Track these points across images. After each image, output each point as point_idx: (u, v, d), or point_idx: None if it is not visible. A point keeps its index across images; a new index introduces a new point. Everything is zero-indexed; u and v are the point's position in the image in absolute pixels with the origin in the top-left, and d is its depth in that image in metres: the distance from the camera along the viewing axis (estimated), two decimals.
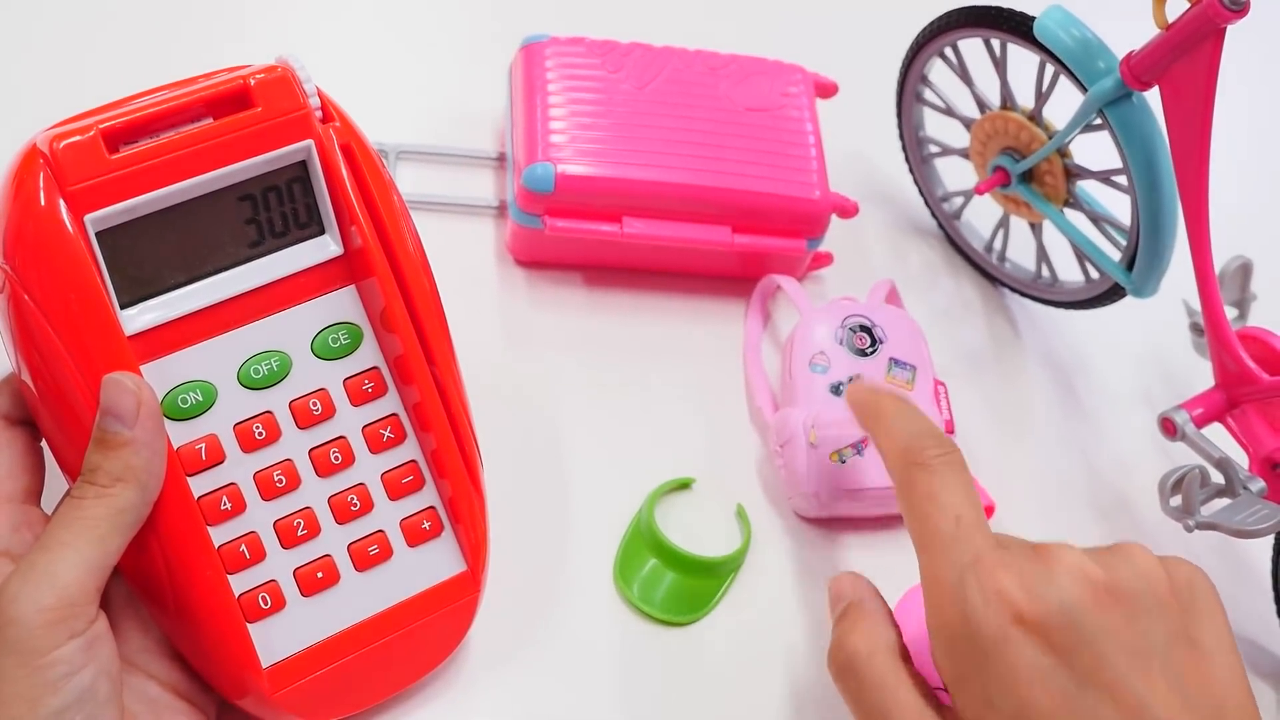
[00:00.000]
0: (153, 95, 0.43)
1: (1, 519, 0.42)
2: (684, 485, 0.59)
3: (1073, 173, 0.62)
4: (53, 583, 0.38)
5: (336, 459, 0.45)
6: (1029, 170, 0.63)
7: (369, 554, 0.45)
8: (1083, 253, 0.63)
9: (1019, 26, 0.59)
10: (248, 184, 0.43)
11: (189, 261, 0.43)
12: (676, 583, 0.55)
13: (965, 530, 0.40)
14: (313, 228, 0.44)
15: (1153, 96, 0.55)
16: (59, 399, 0.41)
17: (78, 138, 0.40)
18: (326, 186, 0.44)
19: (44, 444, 0.44)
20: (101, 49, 0.67)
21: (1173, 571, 0.40)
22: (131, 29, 0.68)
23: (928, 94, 0.68)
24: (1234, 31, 0.51)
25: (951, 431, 0.58)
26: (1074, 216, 0.64)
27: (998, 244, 0.69)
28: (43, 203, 0.40)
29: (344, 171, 0.44)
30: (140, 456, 0.40)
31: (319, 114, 0.44)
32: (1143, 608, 0.39)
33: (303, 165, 0.44)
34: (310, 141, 0.43)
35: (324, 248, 0.45)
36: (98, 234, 0.41)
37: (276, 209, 0.44)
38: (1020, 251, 0.69)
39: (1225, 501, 0.54)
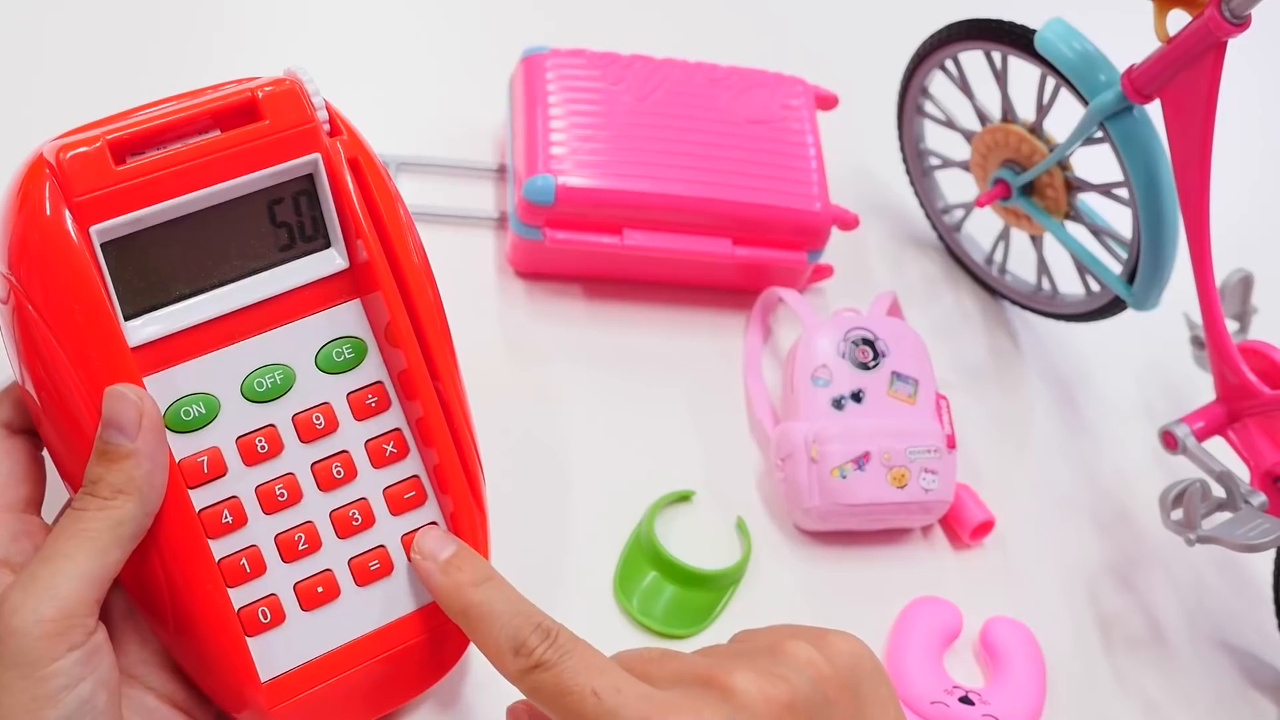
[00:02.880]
0: (160, 106, 0.42)
1: (1, 528, 0.42)
2: (684, 498, 0.58)
3: (1074, 185, 0.62)
4: (53, 595, 0.38)
5: (339, 473, 0.45)
6: (1030, 183, 0.63)
7: (370, 569, 0.45)
8: (1083, 265, 0.64)
9: (1020, 39, 0.59)
10: (254, 197, 0.43)
11: (194, 274, 0.43)
12: (676, 595, 0.55)
13: (609, 701, 0.38)
14: (319, 241, 0.44)
15: (1154, 109, 0.56)
16: (61, 409, 0.41)
17: (84, 148, 0.40)
18: (333, 200, 0.44)
19: (45, 453, 0.44)
20: (109, 59, 0.67)
21: (833, 657, 0.41)
22: (139, 40, 0.68)
23: (928, 106, 0.68)
24: (1235, 45, 0.51)
25: (953, 446, 0.58)
26: (1075, 229, 0.64)
27: (998, 256, 0.69)
28: (48, 213, 0.40)
29: (350, 185, 0.44)
30: (141, 469, 0.40)
31: (327, 127, 0.44)
32: (818, 713, 0.40)
33: (309, 178, 0.43)
34: (317, 155, 0.43)
35: (330, 261, 0.44)
36: (103, 245, 0.40)
37: (282, 222, 0.43)
38: (1021, 264, 0.69)
39: (1226, 515, 0.54)
